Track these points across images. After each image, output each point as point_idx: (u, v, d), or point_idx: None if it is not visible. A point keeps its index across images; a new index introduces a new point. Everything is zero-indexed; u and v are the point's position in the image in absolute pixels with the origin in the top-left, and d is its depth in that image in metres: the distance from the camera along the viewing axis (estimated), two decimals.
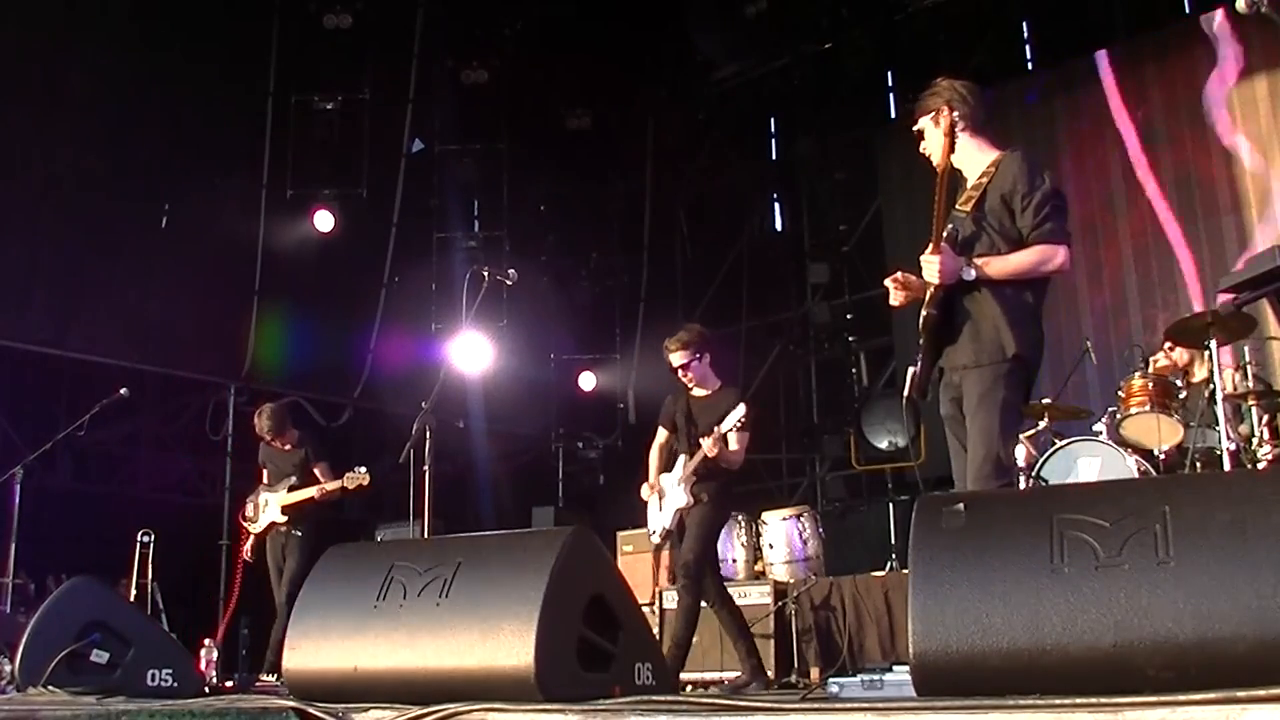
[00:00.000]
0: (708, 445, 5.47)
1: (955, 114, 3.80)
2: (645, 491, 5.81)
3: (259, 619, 8.27)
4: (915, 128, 3.92)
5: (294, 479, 7.27)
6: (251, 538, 7.35)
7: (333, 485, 7.04)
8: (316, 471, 7.31)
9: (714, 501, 5.62)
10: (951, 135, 3.75)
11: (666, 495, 5.72)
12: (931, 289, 3.67)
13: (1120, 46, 10.00)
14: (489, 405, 10.57)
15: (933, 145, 3.84)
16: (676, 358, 5.70)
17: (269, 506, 7.30)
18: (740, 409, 5.52)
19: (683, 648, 5.42)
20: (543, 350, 11.44)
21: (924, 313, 3.69)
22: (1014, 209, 3.63)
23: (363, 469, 6.97)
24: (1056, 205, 3.62)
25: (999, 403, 3.55)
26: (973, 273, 3.60)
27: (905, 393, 3.86)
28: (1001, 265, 3.61)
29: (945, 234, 3.65)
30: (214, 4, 9.38)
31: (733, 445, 5.59)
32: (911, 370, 3.82)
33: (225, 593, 9.38)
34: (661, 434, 5.91)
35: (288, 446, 7.43)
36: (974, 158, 3.82)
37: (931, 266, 3.61)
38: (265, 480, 7.48)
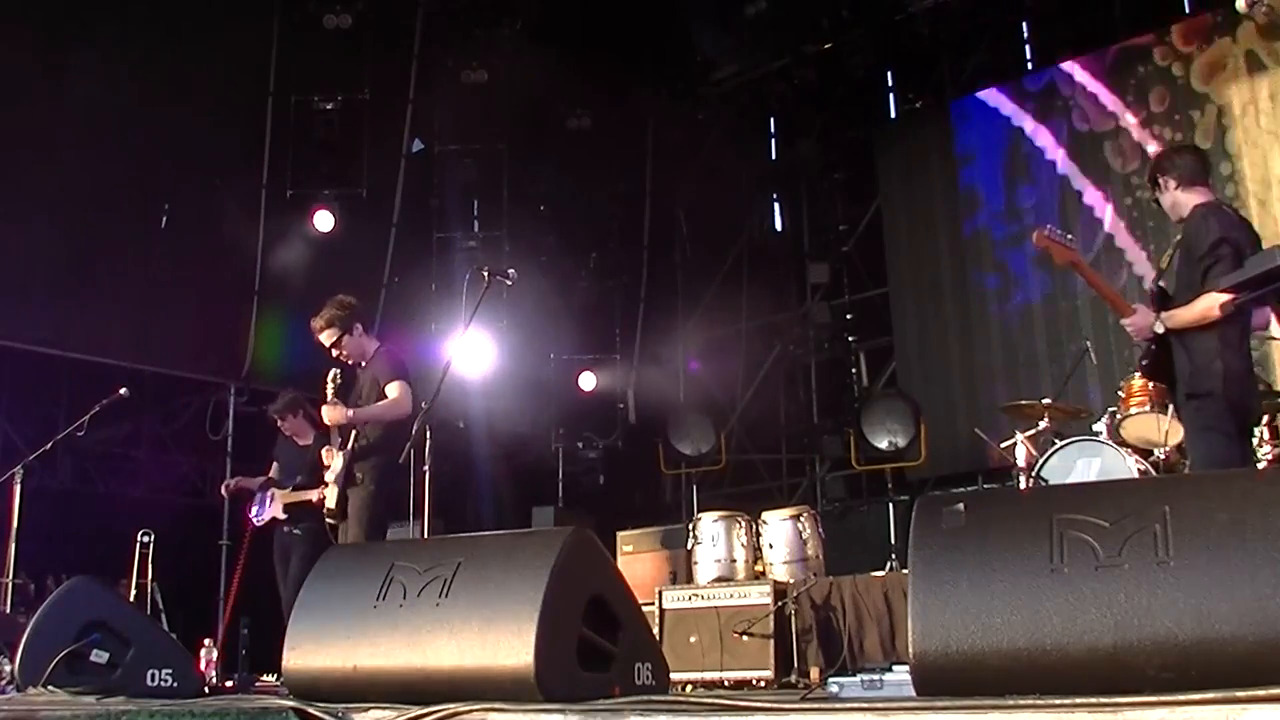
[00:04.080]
0: (331, 414, 5.31)
1: (1172, 175, 4.39)
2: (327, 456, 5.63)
3: (259, 619, 8.27)
4: (1152, 197, 4.60)
5: (301, 477, 6.97)
6: (248, 534, 7.19)
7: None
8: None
9: (367, 481, 5.43)
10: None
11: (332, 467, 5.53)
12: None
13: (1120, 47, 9.99)
14: (489, 405, 10.55)
15: (1167, 204, 4.46)
16: (324, 338, 5.58)
17: (273, 502, 7.06)
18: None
19: None
20: (543, 350, 11.41)
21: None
22: (1192, 264, 4.21)
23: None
24: (1220, 255, 4.16)
25: (1208, 433, 4.15)
26: (1161, 327, 4.20)
27: None
28: (1176, 317, 4.19)
29: (1150, 290, 4.30)
30: (214, 4, 9.38)
31: (392, 393, 5.42)
32: None
33: (225, 592, 9.39)
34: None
35: (305, 442, 7.15)
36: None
37: (1129, 327, 4.31)
38: (274, 474, 7.27)
